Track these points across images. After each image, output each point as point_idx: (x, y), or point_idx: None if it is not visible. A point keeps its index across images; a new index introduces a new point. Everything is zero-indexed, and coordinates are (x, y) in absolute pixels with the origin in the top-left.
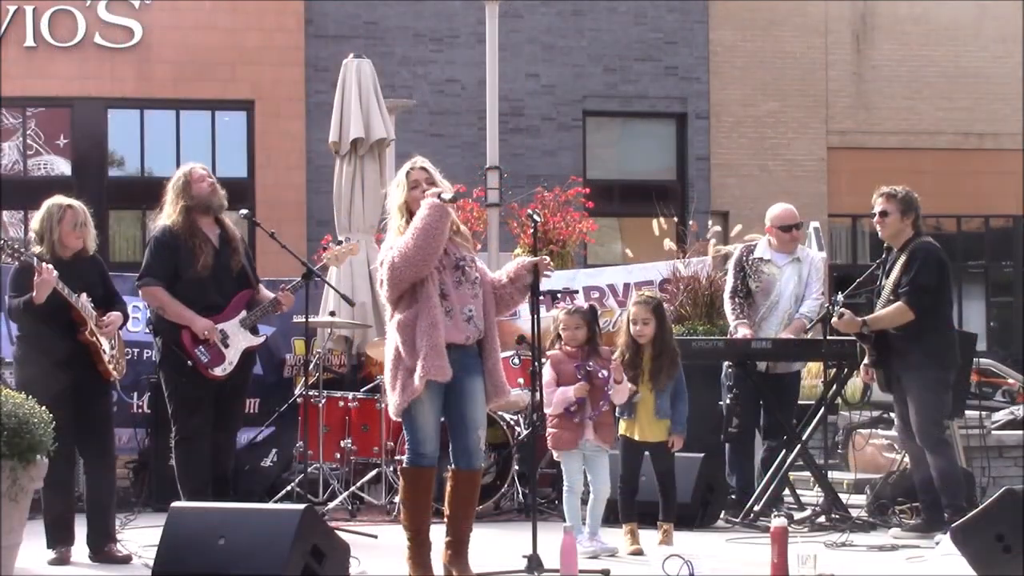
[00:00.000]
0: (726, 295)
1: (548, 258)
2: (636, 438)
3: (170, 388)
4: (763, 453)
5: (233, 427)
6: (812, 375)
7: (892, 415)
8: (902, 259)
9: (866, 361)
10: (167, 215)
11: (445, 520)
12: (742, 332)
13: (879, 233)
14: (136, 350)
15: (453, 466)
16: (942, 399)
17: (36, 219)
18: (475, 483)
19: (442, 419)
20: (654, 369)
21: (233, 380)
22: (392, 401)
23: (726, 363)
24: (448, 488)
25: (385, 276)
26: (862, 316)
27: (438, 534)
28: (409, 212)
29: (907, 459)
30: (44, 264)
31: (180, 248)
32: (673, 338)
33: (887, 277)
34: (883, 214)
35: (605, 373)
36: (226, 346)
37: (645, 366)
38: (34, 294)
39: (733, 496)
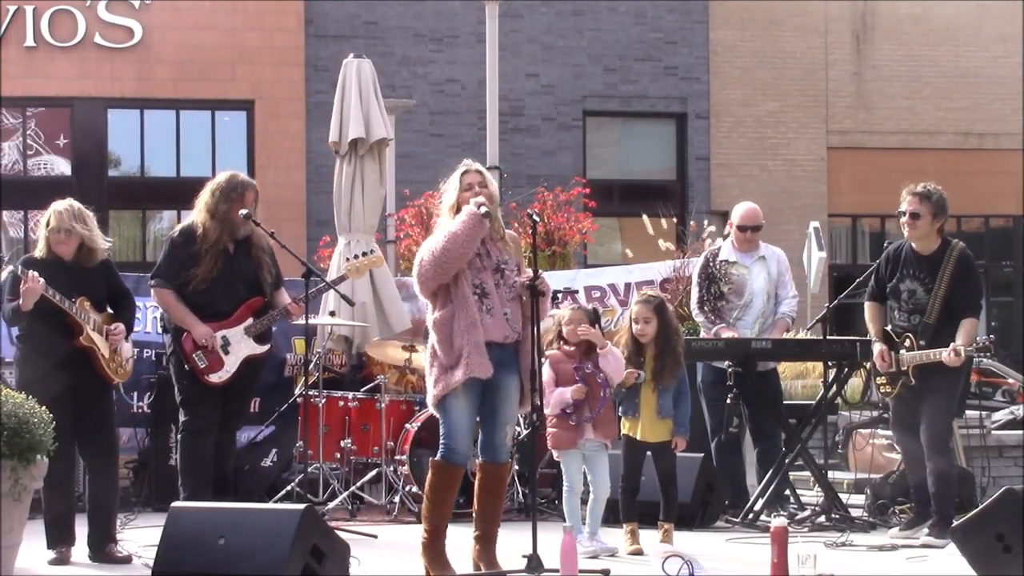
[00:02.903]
0: (693, 307)
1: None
2: (638, 438)
3: (179, 385)
4: (757, 454)
5: (233, 427)
6: (812, 375)
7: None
8: (950, 268)
9: (892, 369)
10: (196, 213)
11: (473, 515)
12: (727, 335)
13: (905, 233)
14: (136, 350)
15: (480, 460)
16: (956, 404)
17: None
18: (502, 477)
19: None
20: (657, 368)
21: (240, 383)
22: (430, 393)
23: (700, 365)
24: (476, 483)
25: (414, 275)
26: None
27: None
28: (458, 212)
29: None
30: (31, 272)
31: (193, 252)
32: (678, 337)
33: (919, 281)
34: (914, 215)
35: (603, 376)
36: (226, 352)
37: (647, 365)
38: (20, 301)
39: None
